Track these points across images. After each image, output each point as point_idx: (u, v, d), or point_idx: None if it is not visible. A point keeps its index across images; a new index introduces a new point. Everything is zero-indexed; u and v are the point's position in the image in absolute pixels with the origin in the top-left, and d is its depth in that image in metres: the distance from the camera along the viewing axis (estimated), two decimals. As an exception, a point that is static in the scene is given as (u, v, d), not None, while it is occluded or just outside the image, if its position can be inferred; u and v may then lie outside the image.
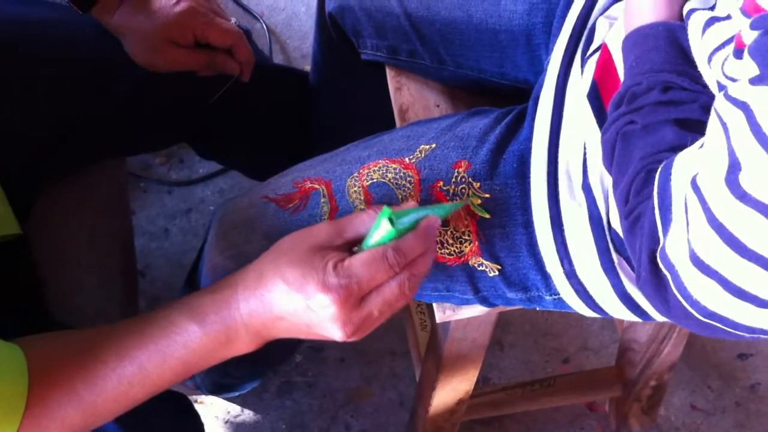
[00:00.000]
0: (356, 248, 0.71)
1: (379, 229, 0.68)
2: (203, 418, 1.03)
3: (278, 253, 0.70)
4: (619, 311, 0.81)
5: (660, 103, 0.67)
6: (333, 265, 0.67)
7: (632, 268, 0.77)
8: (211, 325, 0.70)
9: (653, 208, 0.63)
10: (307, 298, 0.67)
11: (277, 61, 1.76)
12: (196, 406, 1.30)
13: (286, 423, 1.45)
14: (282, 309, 0.68)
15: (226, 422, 1.45)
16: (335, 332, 0.68)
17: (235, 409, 1.46)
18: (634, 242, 0.66)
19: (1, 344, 0.68)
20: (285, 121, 1.19)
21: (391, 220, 0.68)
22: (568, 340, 1.53)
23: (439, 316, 0.89)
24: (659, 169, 0.64)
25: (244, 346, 0.72)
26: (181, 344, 0.70)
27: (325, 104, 1.18)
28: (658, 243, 0.63)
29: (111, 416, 0.72)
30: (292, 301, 0.68)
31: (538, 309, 0.86)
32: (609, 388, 1.28)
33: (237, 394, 1.40)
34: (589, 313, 0.84)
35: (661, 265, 0.63)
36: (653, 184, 0.64)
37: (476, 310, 0.88)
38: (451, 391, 1.12)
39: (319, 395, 1.47)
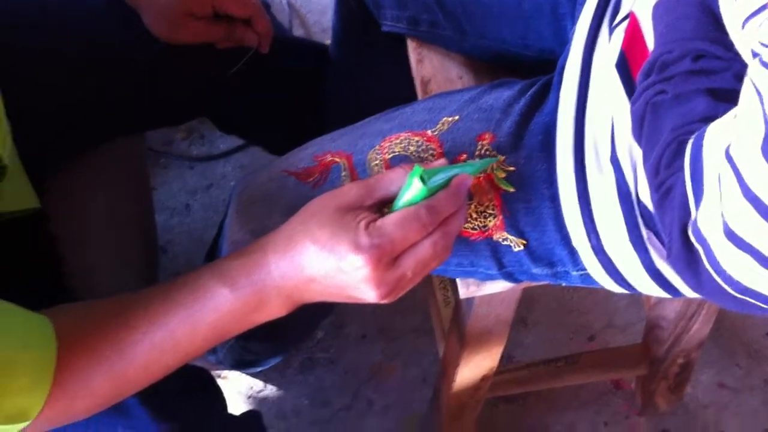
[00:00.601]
0: (386, 208, 0.69)
1: (411, 189, 0.67)
2: (226, 393, 1.03)
3: (307, 215, 0.69)
4: (648, 287, 0.79)
5: (691, 72, 0.65)
6: (365, 225, 0.65)
7: (662, 243, 0.75)
8: (242, 288, 0.69)
9: (684, 180, 0.61)
10: (339, 260, 0.65)
11: (297, 35, 1.74)
12: (219, 381, 1.30)
13: (308, 399, 1.45)
14: (314, 271, 0.67)
15: (249, 397, 1.45)
16: (369, 293, 0.67)
17: (257, 384, 1.45)
18: (665, 216, 0.64)
19: (27, 314, 0.68)
20: (305, 95, 1.17)
21: (422, 179, 0.67)
22: (594, 317, 1.51)
23: (463, 291, 0.87)
24: (691, 140, 0.62)
25: (276, 309, 0.70)
26: (211, 309, 0.69)
27: (345, 77, 1.16)
28: (690, 216, 0.61)
29: (141, 385, 0.72)
30: (323, 262, 0.66)
31: (564, 285, 0.84)
32: (635, 366, 1.26)
33: (259, 369, 1.39)
34: (617, 289, 0.82)
35: (693, 239, 0.61)
36: (684, 155, 0.62)
37: (501, 285, 0.86)
38: (474, 367, 1.11)
39: (342, 371, 1.47)
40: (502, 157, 0.78)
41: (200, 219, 1.58)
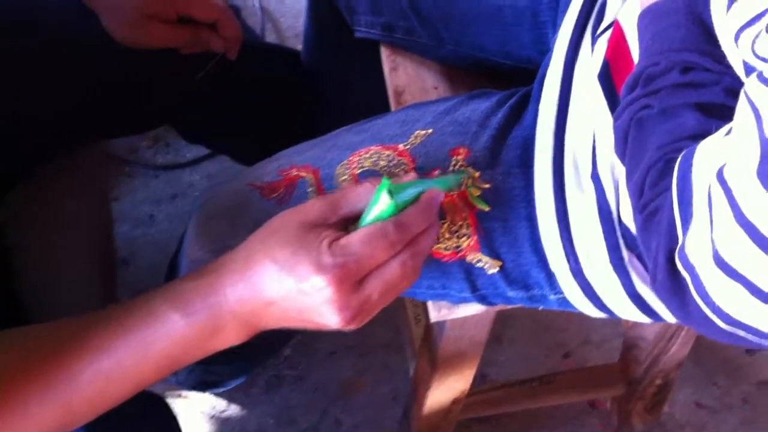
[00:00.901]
0: (352, 226, 0.65)
1: (378, 204, 0.63)
2: (187, 414, 0.98)
3: (267, 233, 0.65)
4: (628, 312, 0.75)
5: (679, 85, 0.61)
6: (328, 244, 0.61)
7: (645, 267, 0.71)
8: (195, 313, 0.64)
9: (672, 202, 0.57)
10: (299, 280, 0.61)
11: (270, 40, 1.69)
12: (179, 401, 1.24)
13: (274, 418, 1.39)
14: (272, 293, 0.63)
15: (212, 417, 1.39)
16: (331, 318, 0.63)
17: (221, 404, 1.40)
18: (650, 240, 0.60)
19: None
20: (275, 104, 1.13)
21: (390, 194, 0.63)
22: (570, 334, 1.47)
23: (434, 315, 0.83)
24: (679, 159, 0.58)
25: (233, 336, 0.66)
26: (162, 336, 0.65)
27: (317, 86, 1.11)
28: (677, 241, 0.57)
29: (88, 417, 0.67)
30: (283, 283, 0.62)
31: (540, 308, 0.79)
32: (612, 386, 1.22)
33: (222, 390, 1.34)
34: (595, 313, 0.78)
35: (679, 266, 0.56)
36: (672, 175, 0.58)
37: (474, 308, 0.82)
38: (446, 390, 1.07)
39: (309, 389, 1.42)
40: (477, 174, 0.74)
41: (165, 230, 1.52)
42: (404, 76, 0.92)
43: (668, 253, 0.57)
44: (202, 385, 1.25)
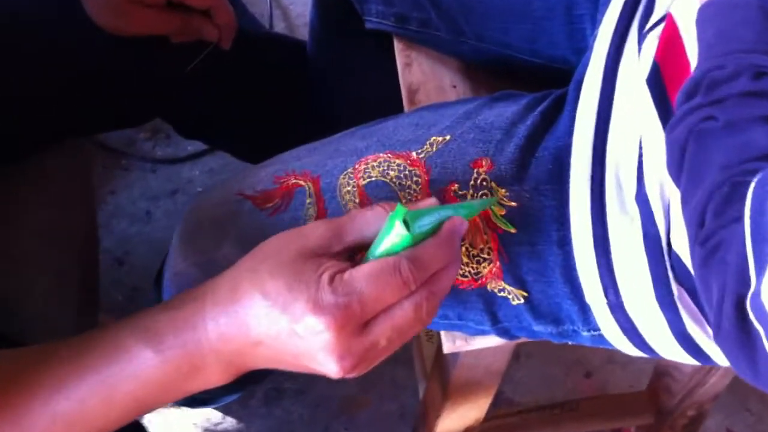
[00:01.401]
0: (359, 257, 0.56)
1: (391, 234, 0.54)
2: (179, 426, 0.88)
3: (258, 259, 0.56)
4: (673, 353, 0.65)
5: (750, 94, 0.51)
6: (329, 278, 0.53)
7: (698, 306, 0.61)
8: (169, 350, 0.56)
9: (743, 237, 0.47)
10: (293, 321, 0.53)
11: (278, 29, 1.59)
12: (172, 410, 1.15)
13: (272, 434, 1.30)
14: (261, 332, 0.54)
15: (206, 431, 1.30)
16: (329, 366, 0.54)
17: (216, 416, 1.31)
18: (711, 281, 0.50)
19: None
20: (277, 98, 1.03)
21: (405, 223, 0.53)
22: (592, 352, 1.37)
23: (448, 347, 0.73)
24: (753, 184, 0.47)
25: (213, 377, 0.57)
26: (131, 375, 0.56)
27: (323, 80, 1.01)
28: (749, 286, 0.46)
29: None
30: (273, 322, 0.53)
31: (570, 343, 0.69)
32: (640, 416, 1.12)
33: (214, 406, 1.25)
34: (634, 352, 0.67)
35: (751, 317, 0.46)
36: (740, 203, 0.48)
37: (493, 341, 0.72)
38: (458, 418, 0.97)
39: (311, 404, 1.33)
40: (503, 191, 0.64)
41: (162, 228, 1.43)
42: (419, 72, 0.81)
43: (737, 300, 0.47)
44: (191, 402, 1.16)
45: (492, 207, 0.63)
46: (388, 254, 0.54)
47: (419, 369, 1.18)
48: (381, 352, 0.54)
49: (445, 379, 0.90)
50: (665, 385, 1.05)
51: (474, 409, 0.95)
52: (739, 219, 0.48)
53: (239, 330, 0.54)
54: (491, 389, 0.90)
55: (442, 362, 0.90)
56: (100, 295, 1.35)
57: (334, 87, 1.00)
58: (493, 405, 0.96)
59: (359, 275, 0.52)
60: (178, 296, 0.58)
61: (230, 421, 1.31)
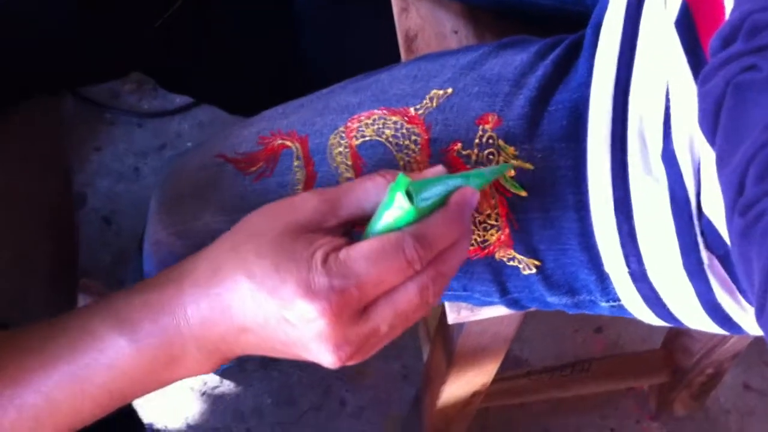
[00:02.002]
0: (357, 231, 0.51)
1: (392, 208, 0.48)
2: (175, 391, 0.83)
3: (243, 235, 0.50)
4: (701, 322, 0.60)
5: (799, 40, 0.44)
6: (323, 257, 0.47)
7: (730, 275, 0.55)
8: (145, 338, 0.50)
9: (793, 206, 0.40)
10: (282, 306, 0.47)
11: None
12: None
13: (272, 397, 1.26)
14: (247, 318, 0.49)
15: (203, 395, 1.26)
16: (324, 356, 0.49)
17: (213, 380, 1.27)
18: (753, 255, 0.44)
19: None
20: (262, 47, 0.95)
21: (409, 194, 0.48)
22: (603, 306, 1.31)
23: (453, 317, 0.67)
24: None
25: (195, 367, 0.52)
26: (104, 366, 0.51)
27: (313, 27, 0.94)
28: (800, 264, 0.40)
29: None
30: (260, 308, 0.48)
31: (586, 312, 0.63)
32: (654, 374, 1.07)
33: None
34: (656, 322, 0.62)
35: (802, 299, 0.40)
36: (790, 167, 0.42)
37: (501, 310, 0.66)
38: (464, 384, 0.92)
39: (310, 366, 1.26)
40: (512, 149, 0.57)
41: (151, 186, 1.35)
42: (417, 17, 0.74)
43: (785, 279, 0.41)
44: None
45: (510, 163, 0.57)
46: (390, 230, 0.48)
47: (422, 331, 1.13)
48: (382, 338, 0.49)
49: (449, 347, 0.84)
50: (682, 344, 1.00)
51: (481, 375, 0.90)
52: (788, 184, 0.42)
53: (222, 315, 0.49)
54: (499, 355, 0.85)
55: (446, 329, 0.85)
56: (85, 258, 1.30)
57: (325, 35, 0.93)
58: (501, 365, 0.91)
59: (357, 254, 0.47)
60: (153, 279, 0.52)
61: (227, 385, 1.26)
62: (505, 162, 0.57)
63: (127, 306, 0.51)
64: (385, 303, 0.47)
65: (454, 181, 0.49)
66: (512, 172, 0.57)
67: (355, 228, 0.51)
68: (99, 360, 0.51)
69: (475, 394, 0.95)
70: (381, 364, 1.27)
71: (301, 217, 0.49)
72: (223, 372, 1.26)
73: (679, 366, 1.03)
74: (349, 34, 0.90)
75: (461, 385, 0.92)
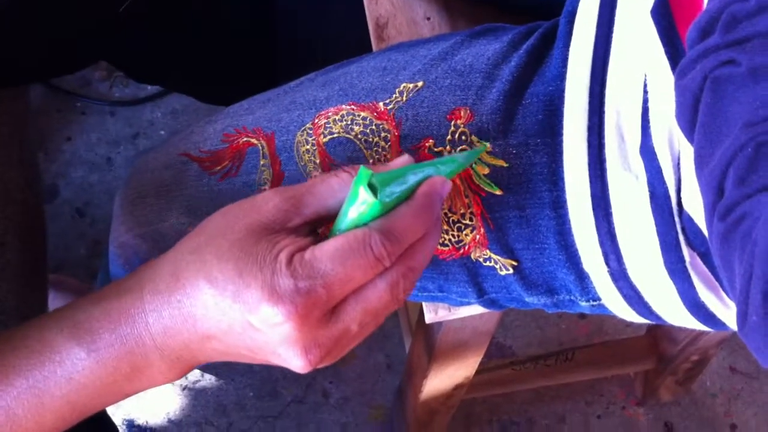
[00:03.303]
0: (321, 230, 0.49)
1: (357, 203, 0.46)
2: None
3: (203, 238, 0.48)
4: (683, 320, 0.58)
5: (781, 32, 0.42)
6: (287, 259, 0.45)
7: (713, 272, 0.53)
8: (105, 349, 0.48)
9: (775, 210, 0.38)
10: (247, 311, 0.45)
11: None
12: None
13: (254, 390, 1.24)
14: (210, 325, 0.47)
15: (184, 389, 1.24)
16: (293, 361, 0.47)
17: (194, 373, 1.25)
18: (732, 259, 0.42)
19: None
20: (233, 36, 0.92)
21: (371, 188, 0.45)
22: (587, 290, 1.29)
23: (430, 317, 0.65)
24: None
25: (160, 376, 0.50)
26: (63, 378, 0.49)
27: (287, 10, 0.91)
28: (784, 271, 0.38)
29: None
30: (223, 313, 0.46)
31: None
32: (639, 362, 1.05)
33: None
34: (638, 319, 0.60)
35: (788, 308, 0.38)
36: (772, 167, 0.39)
37: (479, 309, 0.64)
38: (446, 378, 0.90)
39: (293, 358, 1.25)
40: (487, 145, 0.55)
41: (124, 176, 1.33)
42: (388, 3, 0.71)
43: (767, 286, 0.39)
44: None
45: (474, 166, 0.55)
46: (356, 226, 0.45)
47: (404, 321, 1.11)
48: (353, 338, 0.47)
49: (430, 343, 0.82)
50: (667, 331, 0.99)
51: (463, 369, 0.88)
52: (769, 186, 0.40)
53: (185, 323, 0.47)
54: (481, 349, 0.83)
55: (426, 324, 0.82)
56: (59, 252, 1.27)
57: (299, 22, 0.90)
58: (484, 353, 0.90)
59: (322, 254, 0.44)
60: (112, 285, 0.50)
61: (209, 379, 1.24)
62: (478, 159, 0.54)
63: (86, 316, 0.49)
64: (354, 302, 0.45)
65: (422, 170, 0.47)
66: (486, 170, 0.55)
67: (320, 230, 0.49)
68: (57, 372, 0.49)
69: (457, 387, 0.94)
70: (364, 354, 1.25)
71: (264, 217, 0.47)
72: (205, 366, 1.24)
73: (664, 353, 1.01)
74: (324, 21, 0.87)
75: (443, 379, 0.90)
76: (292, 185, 0.49)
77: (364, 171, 0.45)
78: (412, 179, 0.47)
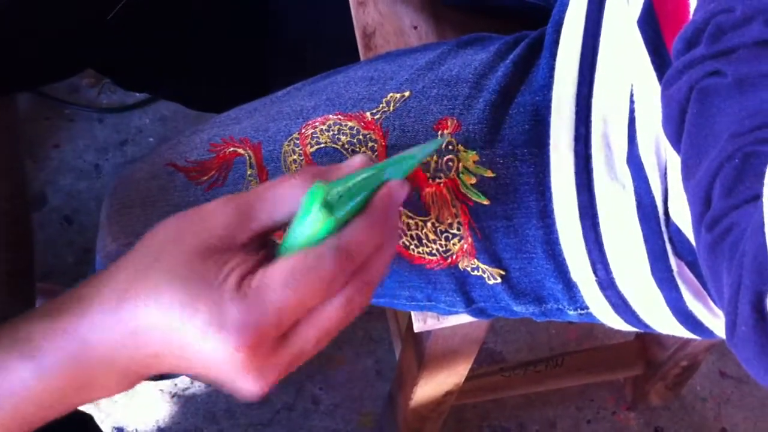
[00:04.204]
0: (272, 238, 0.46)
1: (309, 220, 0.43)
2: (144, 392, 0.80)
3: (152, 252, 0.46)
4: (672, 329, 0.58)
5: (765, 44, 0.42)
6: (236, 283, 0.43)
7: (702, 282, 0.53)
8: (50, 365, 0.47)
9: (761, 220, 0.38)
10: (197, 338, 0.43)
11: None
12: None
13: (243, 397, 1.23)
14: (158, 347, 0.45)
15: (173, 396, 1.23)
16: (246, 387, 0.44)
17: (184, 381, 1.24)
18: (720, 271, 0.42)
19: None
20: (227, 43, 0.92)
21: (328, 206, 0.43)
22: (577, 295, 1.29)
23: (418, 326, 0.65)
24: (773, 158, 0.39)
25: (112, 387, 0.48)
26: (8, 394, 0.48)
27: (280, 17, 0.90)
28: (770, 282, 0.38)
29: None
30: (173, 338, 0.44)
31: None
32: (628, 368, 1.05)
33: (178, 377, 1.17)
34: (626, 328, 0.60)
35: (774, 319, 0.38)
36: (759, 178, 0.40)
37: (468, 318, 0.64)
38: (436, 385, 0.90)
39: (282, 364, 1.25)
40: (473, 154, 0.55)
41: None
42: (375, 12, 0.71)
43: (756, 298, 0.39)
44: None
45: (461, 176, 0.54)
46: (309, 244, 0.43)
47: (393, 326, 1.11)
48: (306, 356, 0.45)
49: (419, 350, 0.82)
50: (656, 337, 0.99)
51: (453, 376, 0.88)
52: (755, 198, 0.40)
53: (132, 340, 0.45)
54: (470, 356, 0.83)
55: (415, 332, 0.82)
56: (48, 259, 1.26)
57: (288, 27, 0.90)
58: (474, 359, 0.89)
59: (273, 280, 0.42)
60: (59, 299, 0.49)
61: (199, 386, 1.24)
62: (465, 168, 0.54)
63: (29, 329, 0.47)
64: (307, 324, 0.44)
65: (377, 174, 0.45)
66: (473, 180, 0.54)
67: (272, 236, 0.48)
68: (3, 388, 0.47)
69: (447, 394, 0.94)
70: (354, 360, 1.25)
71: (211, 234, 0.45)
72: (193, 373, 1.24)
73: (653, 358, 1.02)
74: (315, 24, 0.87)
75: (433, 386, 0.90)
76: (242, 193, 0.47)
77: (318, 186, 0.43)
78: (367, 184, 0.45)
